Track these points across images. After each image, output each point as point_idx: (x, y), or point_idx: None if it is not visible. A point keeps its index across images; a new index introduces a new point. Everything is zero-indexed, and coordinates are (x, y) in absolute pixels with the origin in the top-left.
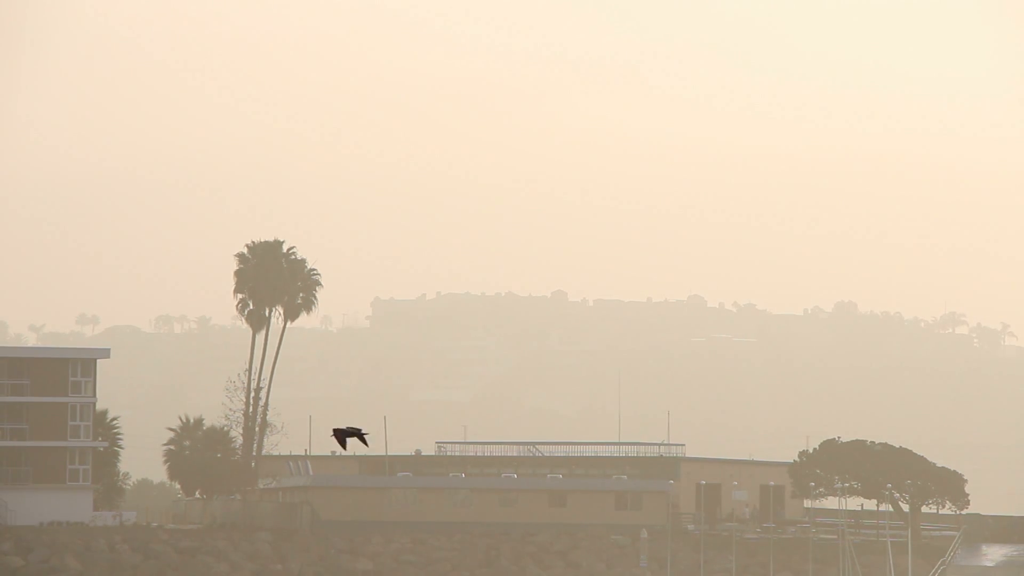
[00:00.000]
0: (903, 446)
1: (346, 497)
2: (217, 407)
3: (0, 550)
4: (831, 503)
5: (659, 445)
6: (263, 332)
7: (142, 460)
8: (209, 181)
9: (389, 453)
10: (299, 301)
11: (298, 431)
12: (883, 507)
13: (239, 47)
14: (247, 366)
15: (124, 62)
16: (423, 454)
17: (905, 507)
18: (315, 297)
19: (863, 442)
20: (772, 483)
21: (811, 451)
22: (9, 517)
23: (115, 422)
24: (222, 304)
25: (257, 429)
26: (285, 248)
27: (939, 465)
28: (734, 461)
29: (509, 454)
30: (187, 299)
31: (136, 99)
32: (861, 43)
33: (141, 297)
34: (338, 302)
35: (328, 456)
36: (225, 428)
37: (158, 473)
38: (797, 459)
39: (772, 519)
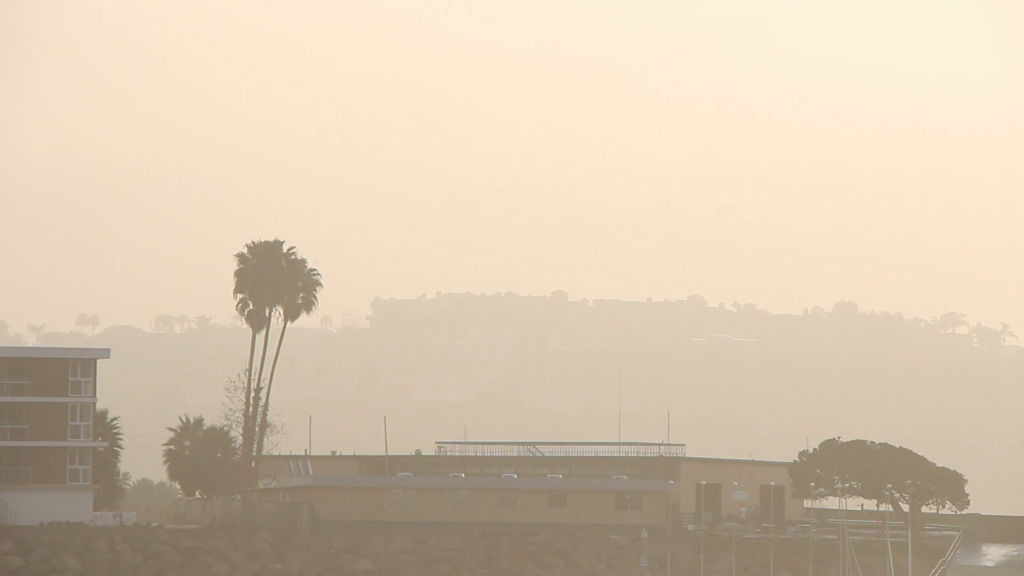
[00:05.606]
0: (903, 446)
1: (346, 497)
2: (217, 407)
3: (0, 550)
4: (831, 503)
5: (659, 445)
6: (263, 332)
7: (142, 460)
8: (209, 181)
9: (389, 453)
10: (299, 301)
11: (298, 431)
12: (883, 507)
13: (239, 47)
14: (247, 366)
15: (124, 62)
16: (423, 454)
17: (905, 507)
18: (315, 297)
19: (863, 442)
20: (772, 483)
21: (811, 451)
22: (9, 517)
23: (115, 422)
24: (222, 304)
25: (257, 429)
26: (285, 248)
27: (939, 465)
28: (734, 461)
29: (509, 454)
30: (187, 299)
31: (136, 99)
32: (860, 43)
33: (141, 297)
34: (338, 302)
35: (328, 456)
36: (225, 428)
37: (158, 473)
38: (797, 459)
39: (772, 519)
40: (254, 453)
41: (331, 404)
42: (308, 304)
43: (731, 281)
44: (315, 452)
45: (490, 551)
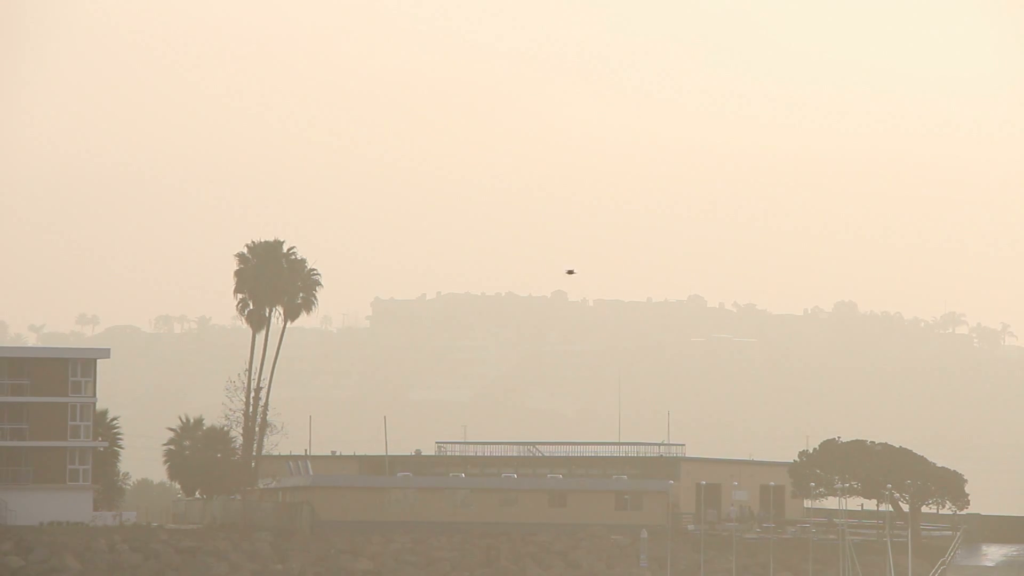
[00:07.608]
0: (903, 446)
1: (346, 497)
2: (217, 407)
3: (0, 550)
4: (831, 503)
5: (659, 445)
6: (263, 332)
7: (142, 460)
8: (209, 181)
9: (389, 453)
10: (299, 301)
11: (298, 431)
12: (883, 507)
13: (239, 46)
14: (247, 366)
15: (124, 61)
16: (423, 454)
17: (905, 507)
18: (315, 297)
19: (863, 442)
20: (772, 483)
21: (811, 451)
22: (9, 517)
23: (115, 422)
24: (222, 304)
25: (257, 429)
26: (285, 248)
27: (939, 465)
28: (734, 461)
29: (509, 454)
30: (187, 299)
31: (136, 98)
32: (860, 43)
33: (141, 297)
34: (338, 302)
35: (328, 456)
36: (225, 428)
37: (158, 473)
38: (797, 459)
39: (771, 519)
40: (254, 453)
41: (331, 404)
42: (308, 304)
43: (731, 281)
44: (315, 452)
45: (490, 551)
